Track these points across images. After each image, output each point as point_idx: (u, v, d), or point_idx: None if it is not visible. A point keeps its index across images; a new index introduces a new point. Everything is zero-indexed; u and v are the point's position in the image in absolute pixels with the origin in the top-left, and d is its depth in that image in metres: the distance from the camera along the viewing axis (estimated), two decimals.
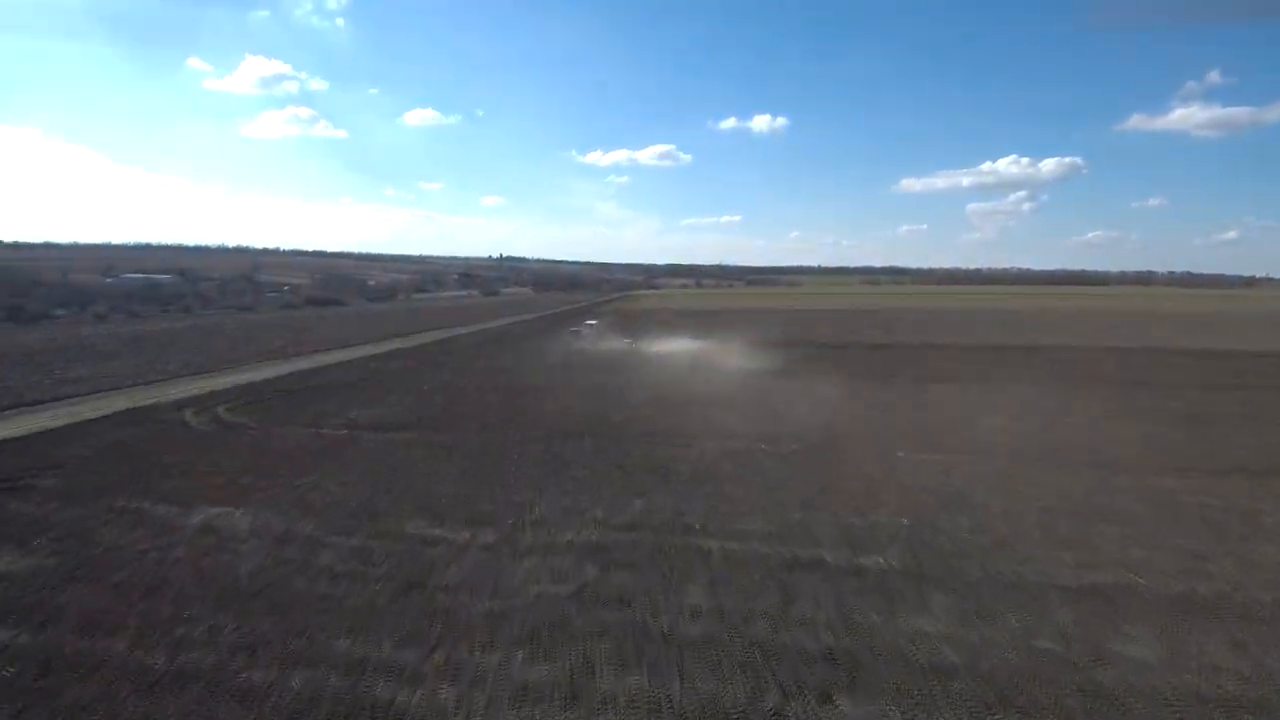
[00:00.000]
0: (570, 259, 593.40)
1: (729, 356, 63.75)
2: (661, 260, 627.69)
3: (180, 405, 41.85)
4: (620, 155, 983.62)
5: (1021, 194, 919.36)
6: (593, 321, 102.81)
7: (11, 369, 57.31)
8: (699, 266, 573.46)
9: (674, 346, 73.89)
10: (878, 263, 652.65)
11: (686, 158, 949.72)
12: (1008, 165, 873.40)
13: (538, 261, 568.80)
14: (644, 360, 63.86)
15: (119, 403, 42.81)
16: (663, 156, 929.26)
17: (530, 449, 30.57)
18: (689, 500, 23.30)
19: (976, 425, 34.73)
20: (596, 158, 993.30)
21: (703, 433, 33.36)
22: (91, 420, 37.64)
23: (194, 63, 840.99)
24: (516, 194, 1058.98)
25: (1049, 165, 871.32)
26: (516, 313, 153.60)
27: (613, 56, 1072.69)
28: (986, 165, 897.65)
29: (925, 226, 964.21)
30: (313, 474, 26.78)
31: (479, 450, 30.58)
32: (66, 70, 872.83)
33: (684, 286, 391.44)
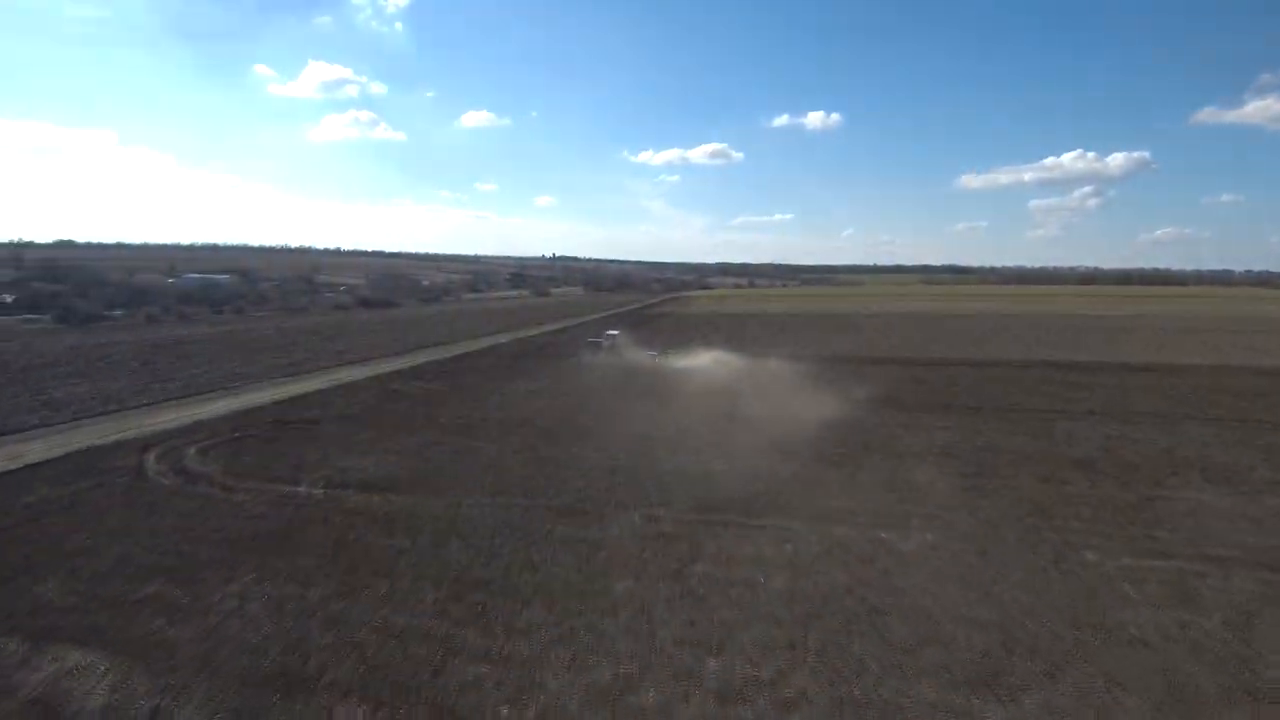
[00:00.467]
0: (622, 258, 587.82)
1: (803, 393, 51.53)
2: (713, 260, 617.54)
3: (149, 443, 35.15)
4: (672, 154, 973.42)
5: (1087, 189, 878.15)
6: (636, 332, 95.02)
7: (5, 385, 51.99)
8: (751, 266, 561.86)
9: (734, 367, 64.63)
10: (935, 261, 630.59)
11: (738, 156, 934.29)
12: (1073, 160, 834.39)
13: (589, 261, 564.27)
14: (702, 386, 54.66)
15: (83, 438, 36.34)
16: (714, 155, 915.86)
17: (550, 541, 22.43)
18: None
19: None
20: (648, 157, 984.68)
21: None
22: (34, 466, 31.01)
23: (260, 69, 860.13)
24: (568, 194, 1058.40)
25: (1116, 160, 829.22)
26: (563, 316, 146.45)
27: (664, 55, 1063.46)
28: (1050, 160, 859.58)
29: (985, 224, 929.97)
30: (245, 577, 19.25)
31: (486, 533, 22.69)
32: (141, 78, 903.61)
33: (737, 286, 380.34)
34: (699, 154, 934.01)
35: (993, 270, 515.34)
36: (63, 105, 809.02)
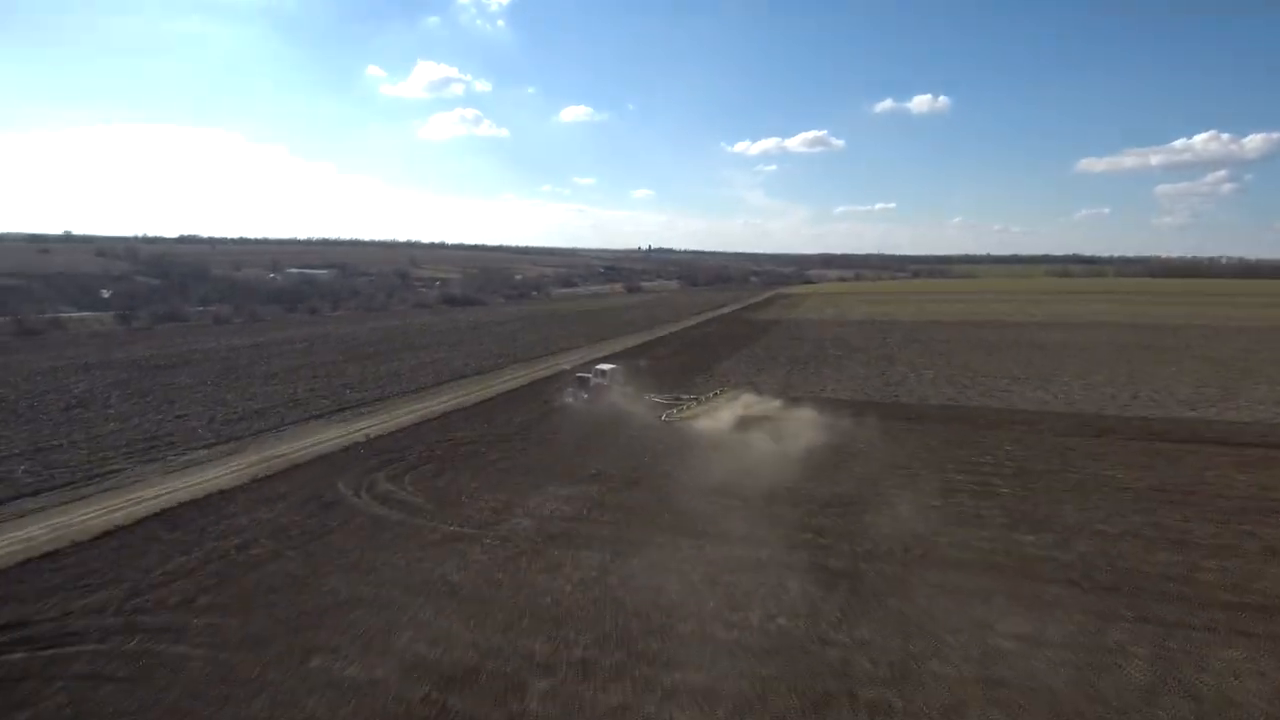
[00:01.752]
0: (718, 250, 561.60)
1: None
2: (812, 251, 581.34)
3: None
4: (769, 144, 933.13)
5: (1220, 174, 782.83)
6: (741, 358, 71.68)
7: None
8: (853, 257, 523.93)
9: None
10: (1051, 250, 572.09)
11: (839, 143, 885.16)
12: (1205, 142, 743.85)
13: (686, 253, 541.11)
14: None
15: None
16: (813, 143, 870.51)
17: None
18: None
19: None
20: (745, 147, 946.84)
21: None
22: None
23: (372, 70, 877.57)
24: (665, 186, 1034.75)
25: (1254, 141, 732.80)
26: (653, 322, 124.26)
27: (761, 42, 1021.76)
28: (1180, 142, 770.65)
29: (1107, 210, 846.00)
30: None
31: None
32: (264, 81, 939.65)
33: (841, 279, 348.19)
34: (797, 143, 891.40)
35: (1126, 260, 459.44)
36: (195, 108, 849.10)
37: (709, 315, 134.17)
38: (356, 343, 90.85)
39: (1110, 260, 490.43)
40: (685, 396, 51.51)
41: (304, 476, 34.12)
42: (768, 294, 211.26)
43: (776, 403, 47.85)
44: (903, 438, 39.89)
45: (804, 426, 41.76)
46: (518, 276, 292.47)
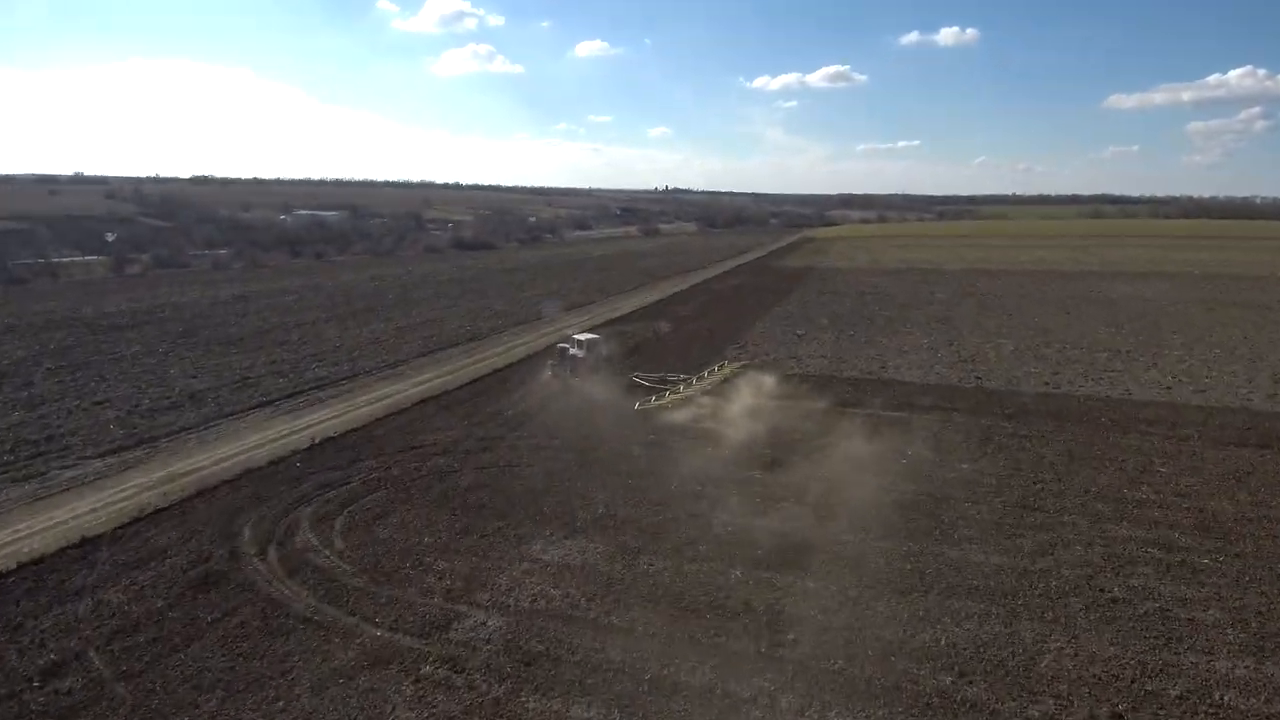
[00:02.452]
0: (736, 190, 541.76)
1: None
2: (833, 191, 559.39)
3: None
4: (790, 79, 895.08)
5: (1255, 110, 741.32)
6: (785, 316, 60.87)
7: None
8: (874, 197, 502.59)
9: None
10: (1078, 189, 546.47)
11: (861, 78, 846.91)
12: (1240, 77, 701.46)
13: (703, 194, 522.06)
14: None
15: None
16: (835, 78, 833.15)
17: None
18: None
19: None
20: (764, 83, 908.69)
21: None
22: None
23: (383, 4, 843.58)
24: (682, 124, 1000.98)
25: None
26: (672, 270, 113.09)
27: None
28: (1214, 78, 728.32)
29: (1136, 149, 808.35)
30: None
31: None
32: (271, 16, 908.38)
33: (864, 221, 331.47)
34: (818, 78, 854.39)
35: (1157, 201, 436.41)
36: (209, 44, 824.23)
37: (732, 263, 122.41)
38: (349, 296, 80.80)
39: (1140, 200, 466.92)
40: (673, 378, 41.31)
41: (205, 513, 24.45)
42: (791, 237, 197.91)
43: (821, 403, 36.81)
44: (1011, 451, 29.46)
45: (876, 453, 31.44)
46: (531, 218, 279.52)
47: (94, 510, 25.10)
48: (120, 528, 23.54)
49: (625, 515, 23.54)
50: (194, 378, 43.44)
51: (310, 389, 41.04)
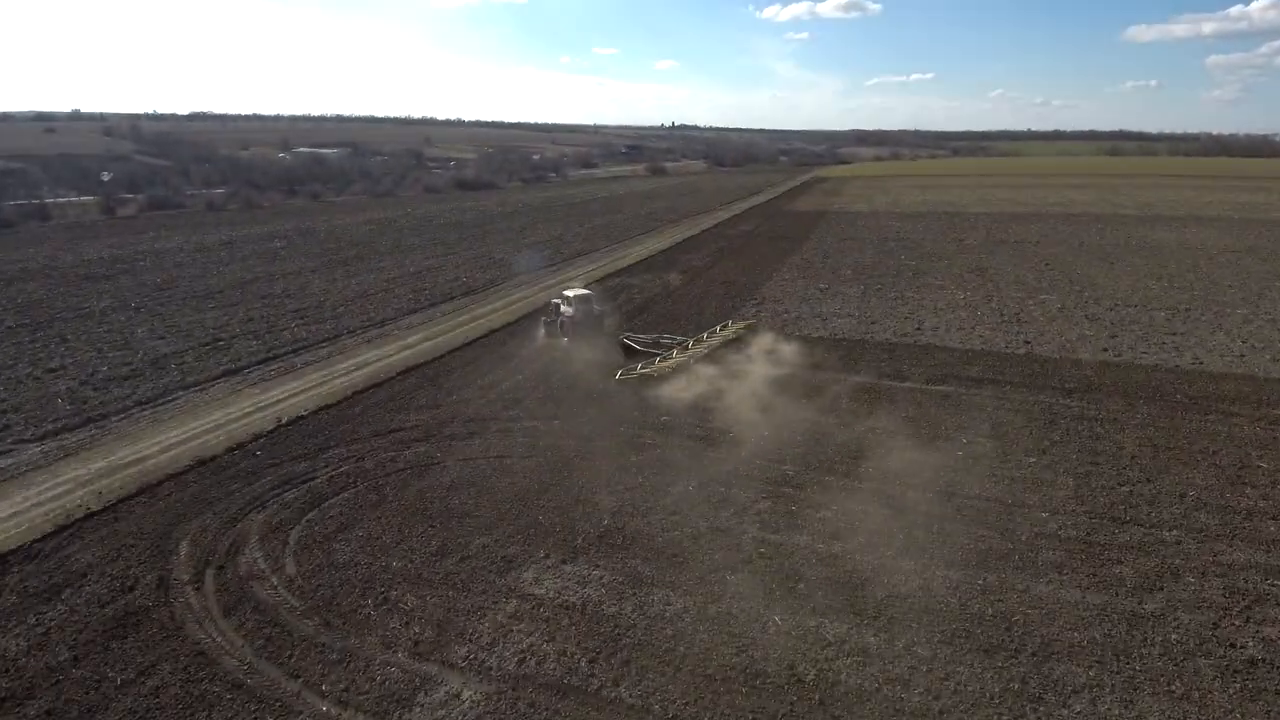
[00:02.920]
0: (744, 127, 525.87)
1: None
2: (842, 127, 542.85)
3: None
4: (800, 8, 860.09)
5: (1278, 44, 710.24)
6: (799, 271, 55.87)
7: None
8: (887, 133, 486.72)
9: None
10: (1095, 124, 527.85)
11: (875, 7, 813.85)
12: (1264, 9, 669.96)
13: (710, 130, 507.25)
14: None
15: None
16: (848, 7, 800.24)
17: None
18: None
19: None
20: (774, 13, 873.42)
21: None
22: None
23: None
24: (689, 57, 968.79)
25: None
26: (680, 214, 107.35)
27: None
28: (1236, 9, 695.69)
29: (1154, 83, 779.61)
30: None
31: None
32: None
33: (878, 159, 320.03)
34: (830, 7, 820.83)
35: (1176, 137, 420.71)
36: None
37: (743, 205, 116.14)
38: (340, 242, 75.88)
39: (1158, 137, 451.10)
40: (668, 339, 36.82)
41: (140, 520, 20.49)
42: (803, 176, 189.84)
43: (857, 377, 32.44)
44: (1083, 439, 25.11)
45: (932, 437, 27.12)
46: (535, 156, 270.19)
47: (15, 515, 21.19)
48: (39, 540, 19.65)
49: (635, 529, 19.46)
50: (161, 339, 39.24)
51: (286, 353, 36.79)
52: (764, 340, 36.20)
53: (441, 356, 35.89)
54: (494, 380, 31.84)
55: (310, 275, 57.40)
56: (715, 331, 38.12)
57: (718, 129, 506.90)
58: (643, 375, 31.43)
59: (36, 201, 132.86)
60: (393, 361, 35.17)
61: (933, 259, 61.25)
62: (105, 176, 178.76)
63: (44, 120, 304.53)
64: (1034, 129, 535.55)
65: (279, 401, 29.93)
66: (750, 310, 44.23)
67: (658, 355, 33.93)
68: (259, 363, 35.24)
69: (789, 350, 34.65)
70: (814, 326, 40.04)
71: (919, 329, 39.38)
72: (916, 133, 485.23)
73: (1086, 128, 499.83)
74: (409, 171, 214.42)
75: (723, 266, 60.10)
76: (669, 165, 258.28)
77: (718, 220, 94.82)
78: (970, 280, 52.18)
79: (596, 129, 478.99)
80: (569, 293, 38.91)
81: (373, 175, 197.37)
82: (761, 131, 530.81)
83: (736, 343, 36.77)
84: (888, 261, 60.46)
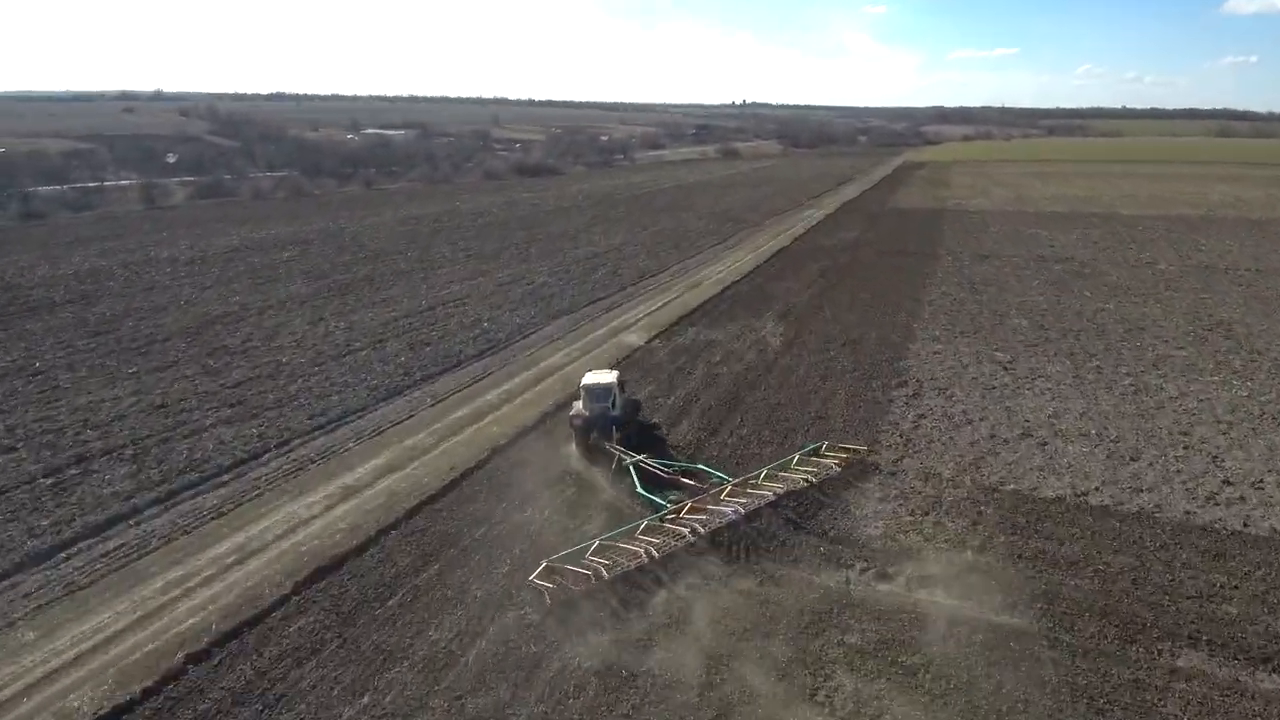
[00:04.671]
0: (818, 104, 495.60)
1: None
2: (922, 104, 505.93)
3: None
4: None
5: None
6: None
7: None
8: (971, 110, 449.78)
9: None
10: (1191, 102, 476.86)
11: None
12: None
13: (783, 108, 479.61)
14: None
15: None
16: None
17: None
18: None
19: None
20: None
21: None
22: None
23: None
24: (761, 29, 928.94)
25: None
26: (761, 213, 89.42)
27: None
28: None
29: (1255, 59, 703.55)
30: None
31: None
32: None
33: (967, 138, 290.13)
34: None
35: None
36: None
37: (834, 200, 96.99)
38: (360, 253, 61.44)
39: (1267, 117, 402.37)
40: (695, 470, 21.44)
41: None
42: (893, 161, 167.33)
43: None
44: None
45: None
46: (603, 137, 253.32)
47: None
48: None
49: None
50: (10, 451, 24.97)
51: (158, 499, 21.83)
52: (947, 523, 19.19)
53: (394, 526, 20.20)
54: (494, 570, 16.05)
55: (295, 311, 42.83)
56: (794, 462, 21.60)
57: (790, 105, 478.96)
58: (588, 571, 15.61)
59: (96, 185, 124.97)
60: (311, 535, 19.73)
61: (1131, 298, 42.39)
62: (171, 158, 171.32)
63: (127, 99, 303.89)
64: (1129, 106, 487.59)
65: (71, 647, 14.93)
66: (900, 407, 27.14)
67: (664, 507, 18.17)
68: (97, 531, 20.32)
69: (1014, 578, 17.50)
70: (1027, 473, 22.63)
71: (1226, 487, 21.43)
72: (1003, 110, 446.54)
73: (1181, 105, 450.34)
74: (473, 154, 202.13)
75: (835, 304, 42.71)
76: (740, 146, 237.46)
77: (809, 222, 76.58)
78: (1219, 345, 33.53)
79: (665, 108, 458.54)
80: (594, 380, 24.35)
81: (435, 158, 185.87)
82: (835, 109, 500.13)
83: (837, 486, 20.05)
84: (1069, 301, 41.92)
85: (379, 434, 26.20)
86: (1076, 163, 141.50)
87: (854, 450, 22.84)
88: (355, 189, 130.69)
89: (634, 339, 36.88)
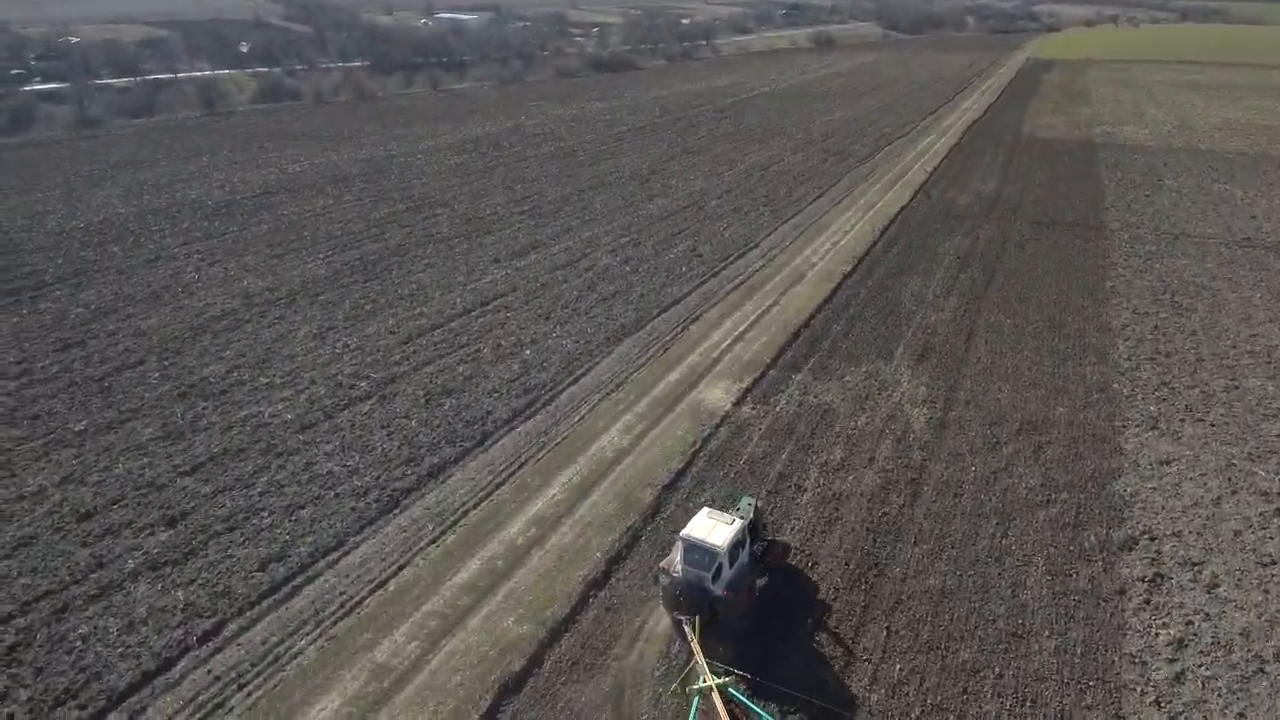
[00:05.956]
0: None
1: None
2: None
3: None
4: None
5: None
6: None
7: None
8: None
9: None
10: None
11: None
12: None
13: None
14: None
15: None
16: None
17: None
18: None
19: None
20: None
21: None
22: None
23: None
24: None
25: None
26: (865, 137, 73.57)
27: None
28: None
29: None
30: None
31: None
32: None
33: (1088, 23, 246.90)
34: None
35: None
36: None
37: (956, 120, 79.22)
38: (404, 202, 51.19)
39: None
40: None
41: None
42: (1015, 57, 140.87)
43: None
44: None
45: None
46: (685, 21, 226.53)
47: None
48: None
49: None
50: None
51: None
52: None
53: None
54: None
55: (303, 310, 33.68)
56: None
57: None
58: None
59: (168, 77, 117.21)
60: None
61: None
62: (244, 48, 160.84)
63: None
64: None
65: None
66: (1135, 606, 16.29)
67: None
68: None
69: None
70: None
71: None
72: None
73: None
74: (548, 40, 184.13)
75: (990, 332, 30.37)
76: (836, 30, 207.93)
77: (930, 159, 61.17)
78: None
79: None
80: (692, 526, 16.04)
81: (510, 46, 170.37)
82: None
83: None
84: None
85: (348, 613, 17.17)
86: (1235, 67, 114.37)
87: None
88: (420, 90, 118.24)
89: (718, 398, 26.19)
